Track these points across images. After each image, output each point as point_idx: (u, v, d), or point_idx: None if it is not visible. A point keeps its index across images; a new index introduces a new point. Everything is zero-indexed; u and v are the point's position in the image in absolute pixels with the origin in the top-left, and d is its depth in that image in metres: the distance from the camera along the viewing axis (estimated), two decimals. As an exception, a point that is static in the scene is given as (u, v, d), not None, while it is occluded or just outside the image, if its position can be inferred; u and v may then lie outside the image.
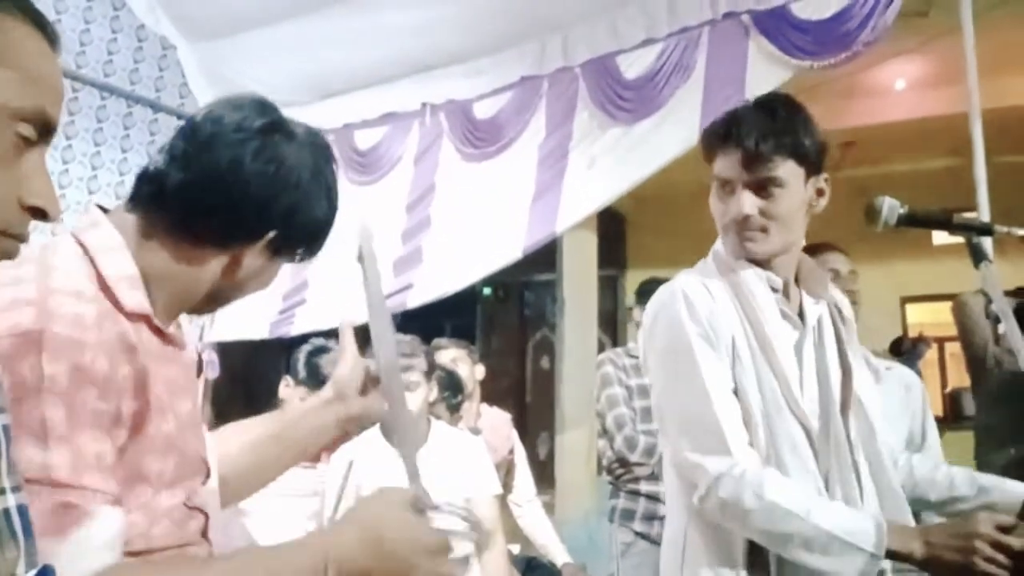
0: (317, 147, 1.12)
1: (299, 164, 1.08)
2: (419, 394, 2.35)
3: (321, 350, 2.52)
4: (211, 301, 1.11)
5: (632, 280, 6.77)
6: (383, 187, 4.39)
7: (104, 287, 0.98)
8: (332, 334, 3.07)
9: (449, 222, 4.18)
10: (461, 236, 4.11)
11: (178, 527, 1.04)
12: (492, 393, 3.76)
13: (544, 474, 5.37)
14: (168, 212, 1.04)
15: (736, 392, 1.35)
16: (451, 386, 2.92)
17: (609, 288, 7.38)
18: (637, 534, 2.80)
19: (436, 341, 3.24)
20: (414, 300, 4.13)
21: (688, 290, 1.39)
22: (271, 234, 1.07)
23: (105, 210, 1.09)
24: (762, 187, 1.37)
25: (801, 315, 1.45)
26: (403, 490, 1.05)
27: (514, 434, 3.37)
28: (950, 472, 1.52)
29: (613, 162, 3.76)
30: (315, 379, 2.47)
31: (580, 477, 5.54)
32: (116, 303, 0.98)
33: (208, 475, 1.15)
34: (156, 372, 1.00)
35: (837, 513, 1.27)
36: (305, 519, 2.41)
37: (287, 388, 2.55)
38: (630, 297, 4.93)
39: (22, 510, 0.72)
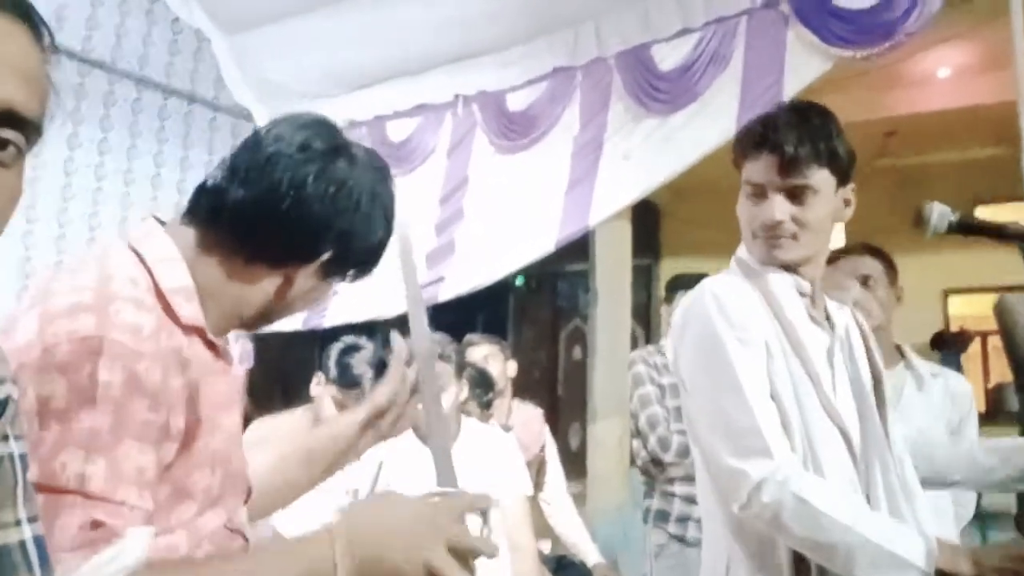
0: (377, 170, 1.12)
1: (359, 187, 1.07)
2: (450, 393, 2.34)
3: (352, 349, 2.51)
4: (261, 319, 1.12)
5: (666, 270, 6.70)
6: (416, 179, 4.37)
7: (160, 298, 0.99)
8: (363, 329, 3.08)
9: (482, 214, 4.15)
10: (494, 228, 4.08)
11: (218, 548, 1.03)
12: (524, 384, 3.74)
13: (576, 465, 5.35)
14: (225, 228, 1.04)
15: (772, 396, 1.32)
16: (482, 384, 2.91)
17: (643, 278, 7.32)
18: (671, 536, 2.77)
19: (468, 338, 3.22)
20: (446, 293, 4.12)
21: (718, 291, 1.37)
22: (326, 256, 1.07)
23: (162, 222, 1.09)
24: (795, 194, 1.36)
25: (829, 321, 1.44)
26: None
27: (546, 430, 3.35)
28: (971, 447, 1.53)
29: (648, 154, 3.70)
30: (345, 378, 2.47)
31: (612, 468, 5.52)
32: (172, 314, 0.98)
33: (249, 494, 1.14)
34: (207, 386, 1.01)
35: (885, 525, 1.24)
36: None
37: (318, 386, 2.55)
38: (664, 287, 4.87)
39: (39, 541, 0.71)
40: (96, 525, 0.84)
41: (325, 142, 1.07)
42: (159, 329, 0.94)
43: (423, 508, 0.98)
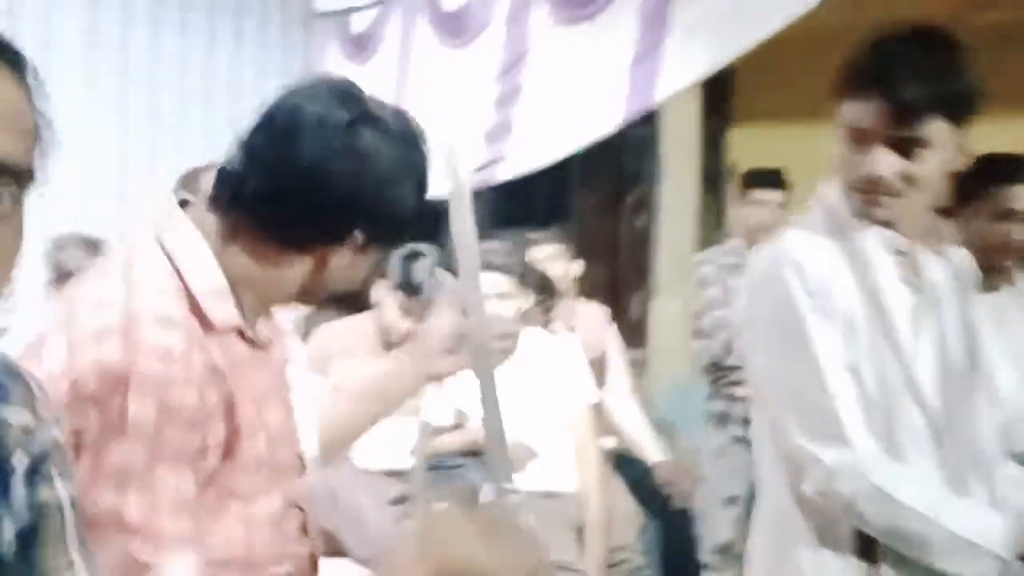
0: (406, 135, 1.05)
1: (388, 159, 1.01)
2: (512, 304, 2.31)
3: (413, 256, 2.50)
4: (299, 300, 1.09)
5: (739, 136, 6.40)
6: (472, 52, 4.19)
7: (192, 303, 0.96)
8: (426, 233, 3.03)
9: (542, 90, 3.98)
10: (555, 105, 3.92)
11: (276, 529, 1.05)
12: (586, 253, 3.70)
13: (636, 334, 5.37)
14: (249, 215, 1.00)
15: (851, 370, 1.23)
16: (544, 290, 2.87)
17: (712, 144, 7.05)
18: (734, 438, 2.77)
19: (529, 236, 3.15)
20: (504, 173, 4.02)
21: (799, 255, 1.25)
22: (357, 236, 1.03)
23: (184, 203, 1.04)
24: (904, 146, 1.19)
25: (921, 276, 1.30)
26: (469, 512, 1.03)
27: (611, 329, 3.33)
28: None
29: (720, 26, 3.45)
30: (408, 285, 2.49)
31: (673, 337, 5.53)
32: (204, 320, 0.96)
33: (304, 470, 1.15)
34: (244, 388, 0.99)
35: (968, 513, 1.18)
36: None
37: (381, 291, 2.57)
38: (733, 153, 4.70)
39: None
40: (132, 564, 0.85)
41: (347, 112, 0.99)
42: (190, 346, 0.92)
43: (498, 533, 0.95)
